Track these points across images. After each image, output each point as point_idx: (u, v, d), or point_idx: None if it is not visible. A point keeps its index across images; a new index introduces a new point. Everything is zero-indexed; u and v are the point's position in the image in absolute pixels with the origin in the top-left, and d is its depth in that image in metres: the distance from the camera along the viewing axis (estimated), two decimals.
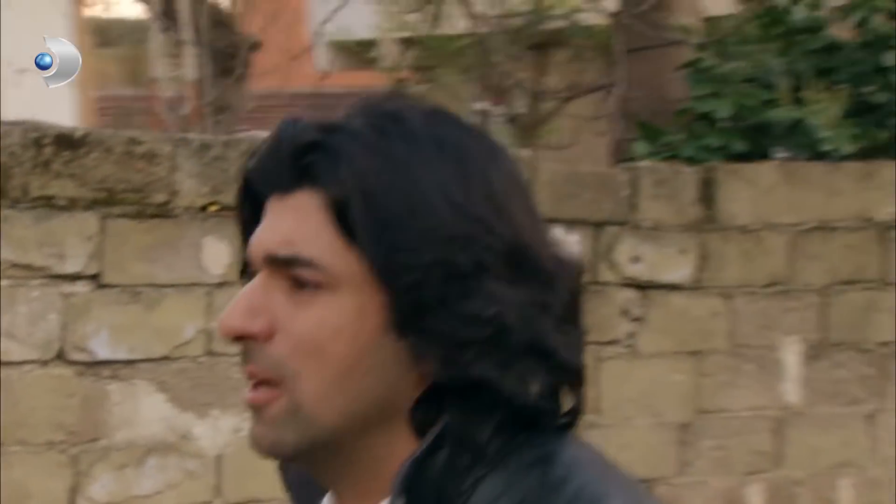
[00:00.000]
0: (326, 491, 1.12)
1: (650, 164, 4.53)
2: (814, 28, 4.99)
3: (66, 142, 3.58)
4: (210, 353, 3.82)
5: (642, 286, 4.31)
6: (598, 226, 4.25)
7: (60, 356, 3.64)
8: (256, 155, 1.10)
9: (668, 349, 4.36)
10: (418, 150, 1.04)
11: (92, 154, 3.61)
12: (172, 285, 3.76)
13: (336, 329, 1.03)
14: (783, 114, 4.67)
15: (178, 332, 3.77)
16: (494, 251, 1.02)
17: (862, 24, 4.89)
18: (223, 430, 3.85)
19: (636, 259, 4.30)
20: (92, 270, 3.65)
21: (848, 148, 4.62)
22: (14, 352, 3.58)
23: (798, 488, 4.53)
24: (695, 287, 4.38)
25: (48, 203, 3.56)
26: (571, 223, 4.15)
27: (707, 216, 4.40)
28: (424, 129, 1.05)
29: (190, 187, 3.75)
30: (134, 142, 3.70)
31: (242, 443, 3.79)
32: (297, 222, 1.05)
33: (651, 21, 5.56)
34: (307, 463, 1.08)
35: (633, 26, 5.74)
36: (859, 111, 4.73)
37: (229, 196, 3.71)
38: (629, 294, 4.29)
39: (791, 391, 4.55)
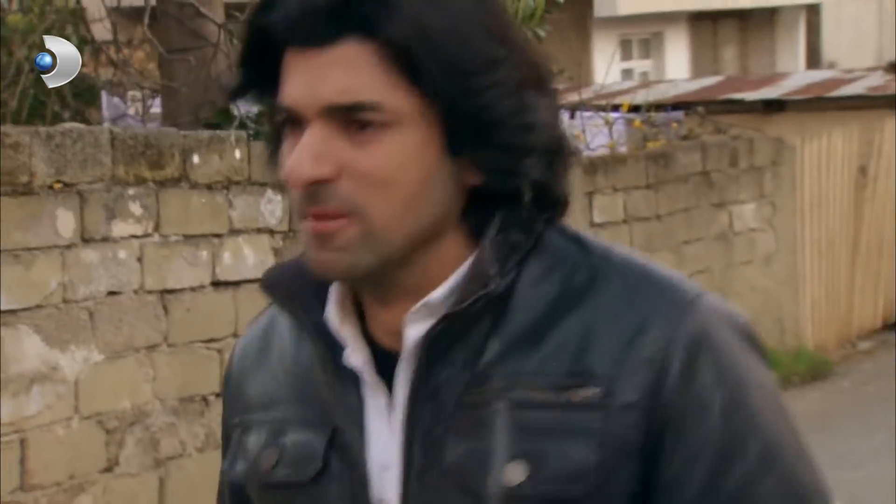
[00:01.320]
0: (321, 301, 1.25)
1: None
2: None
3: None
4: (65, 300, 4.84)
5: None
6: None
7: None
8: (273, 11, 1.17)
9: None
10: (451, 3, 1.16)
11: None
12: (38, 248, 4.74)
13: (402, 161, 1.15)
14: None
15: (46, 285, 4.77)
16: (528, 68, 1.18)
17: None
18: (79, 360, 4.89)
19: None
20: None
21: None
22: None
23: None
24: None
25: None
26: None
27: None
28: None
29: (42, 170, 4.75)
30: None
31: (92, 369, 4.90)
32: (351, 70, 1.14)
33: (188, 26, 6.55)
34: (369, 280, 1.20)
35: (170, 30, 6.74)
36: None
37: (71, 175, 4.80)
38: None
39: None
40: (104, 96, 8.91)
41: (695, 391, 1.16)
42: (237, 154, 5.56)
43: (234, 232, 5.55)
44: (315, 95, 1.15)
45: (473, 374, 1.20)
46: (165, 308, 5.26)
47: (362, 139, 1.15)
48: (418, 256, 1.20)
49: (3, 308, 4.62)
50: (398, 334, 1.22)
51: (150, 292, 5.19)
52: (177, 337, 5.30)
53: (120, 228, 5.05)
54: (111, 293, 5.04)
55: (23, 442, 4.71)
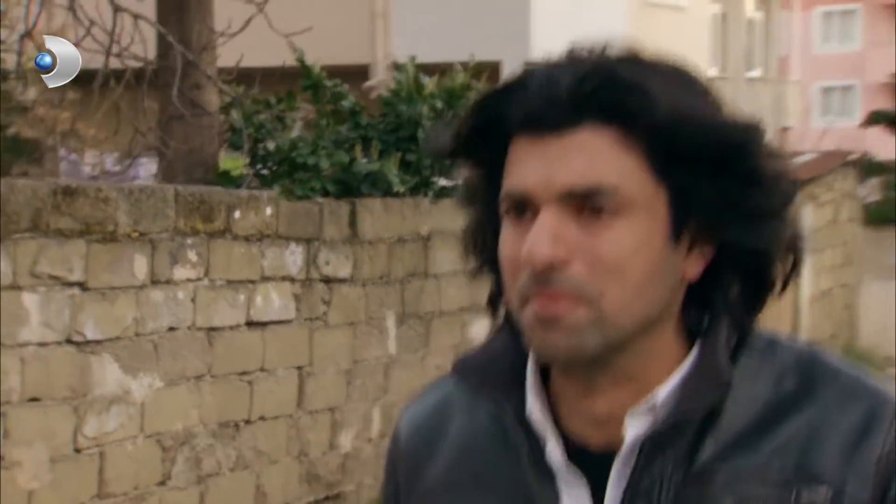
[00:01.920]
0: (515, 390, 1.27)
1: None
2: (355, 111, 7.78)
3: None
4: (137, 334, 5.59)
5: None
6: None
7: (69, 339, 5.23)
8: (510, 97, 1.21)
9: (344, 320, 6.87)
10: (682, 85, 1.20)
11: None
12: (119, 287, 5.48)
13: (635, 247, 1.17)
14: (368, 166, 7.37)
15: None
16: (754, 156, 1.19)
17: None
18: (145, 385, 5.63)
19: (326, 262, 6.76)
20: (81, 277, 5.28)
21: (402, 188, 7.49)
22: (38, 334, 5.11)
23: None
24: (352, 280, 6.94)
25: None
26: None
27: (353, 232, 6.98)
28: (671, 68, 1.21)
29: (124, 221, 5.51)
30: None
31: (155, 394, 5.65)
32: (590, 156, 1.17)
33: (187, 95, 7.32)
34: (593, 363, 1.21)
35: (170, 98, 7.70)
36: (406, 164, 7.61)
37: (144, 226, 5.57)
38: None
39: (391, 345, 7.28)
40: (62, 153, 9.63)
41: None
42: (268, 211, 6.38)
43: (265, 279, 6.35)
44: (553, 180, 1.17)
45: (688, 471, 1.21)
46: (210, 343, 6.03)
47: (596, 224, 1.17)
48: (637, 346, 1.21)
49: (91, 338, 5.35)
50: (597, 426, 1.24)
51: (199, 329, 5.96)
52: (218, 369, 6.07)
53: (180, 273, 5.82)
54: (171, 328, 5.79)
55: (101, 455, 5.43)
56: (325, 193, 7.24)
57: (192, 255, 5.90)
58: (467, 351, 1.34)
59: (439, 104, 7.66)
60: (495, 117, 1.22)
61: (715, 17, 21.91)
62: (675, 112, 1.16)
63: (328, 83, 7.83)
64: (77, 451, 5.34)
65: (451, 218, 7.61)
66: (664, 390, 1.21)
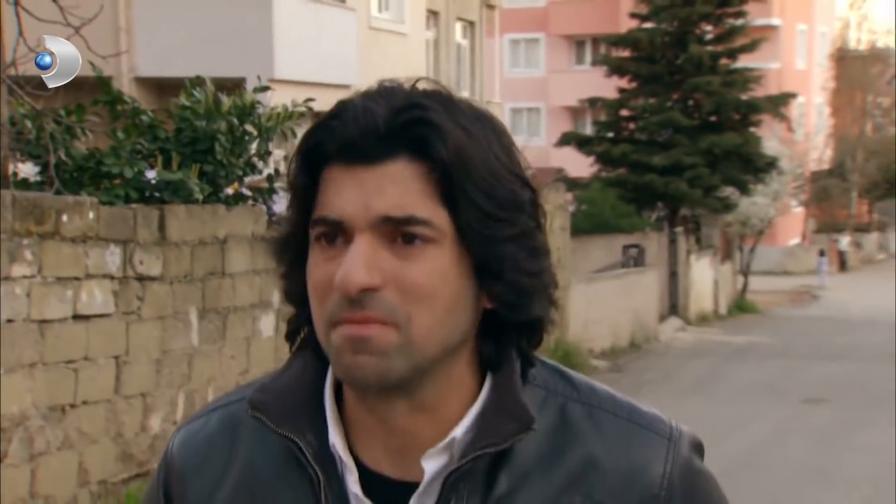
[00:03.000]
0: (312, 424, 1.27)
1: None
2: (154, 126, 8.55)
3: None
4: None
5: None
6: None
7: None
8: (325, 129, 1.22)
9: None
10: (480, 126, 1.23)
11: None
12: None
13: (443, 276, 1.21)
14: (169, 175, 8.15)
15: None
16: (539, 208, 1.27)
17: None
18: None
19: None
20: None
21: (200, 196, 8.31)
22: None
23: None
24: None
25: None
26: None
27: (162, 235, 7.75)
28: (472, 109, 1.25)
29: None
30: None
31: None
32: (403, 187, 1.20)
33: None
34: (396, 387, 1.22)
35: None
36: (203, 174, 8.42)
37: None
38: None
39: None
40: None
41: None
42: (91, 215, 7.09)
43: (89, 276, 7.06)
44: (369, 208, 1.19)
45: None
46: (42, 334, 6.70)
47: (408, 252, 1.20)
48: (437, 373, 1.24)
49: None
50: (394, 456, 1.26)
51: (33, 321, 6.63)
52: (49, 357, 6.75)
53: (17, 270, 6.49)
54: (9, 320, 6.45)
55: None
56: (128, 200, 7.98)
57: (27, 255, 6.57)
58: (261, 386, 1.31)
59: (235, 120, 8.51)
60: (311, 149, 1.24)
61: (429, 42, 23.26)
62: (470, 157, 1.21)
63: (128, 99, 8.56)
64: None
65: (244, 223, 8.53)
66: (462, 427, 1.25)
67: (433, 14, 23.34)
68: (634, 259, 20.32)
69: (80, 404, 7.02)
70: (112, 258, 7.27)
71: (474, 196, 1.21)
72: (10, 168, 8.52)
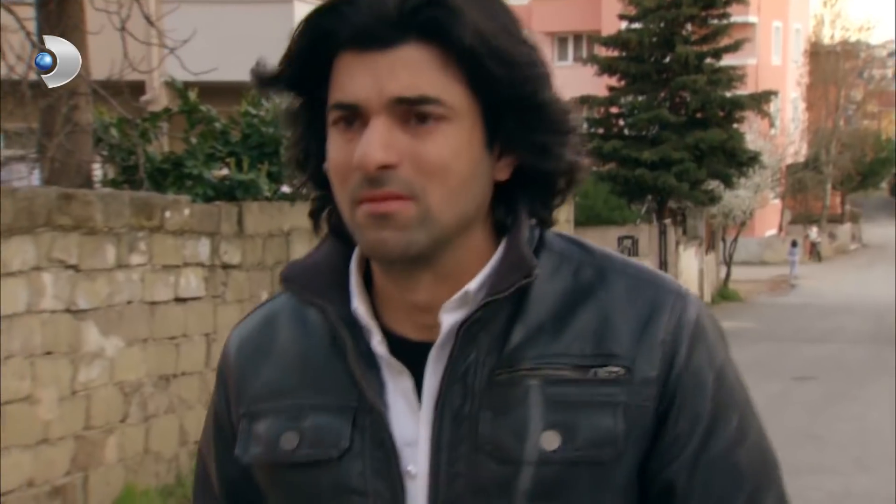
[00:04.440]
0: (339, 295, 1.36)
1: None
2: (225, 131, 9.62)
3: None
4: (109, 305, 7.28)
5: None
6: None
7: None
8: (337, 14, 1.27)
9: None
10: (494, 13, 1.30)
11: None
12: None
13: (457, 150, 1.27)
14: (241, 175, 9.23)
15: None
16: (543, 88, 1.32)
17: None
18: (113, 345, 7.33)
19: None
20: None
21: (269, 194, 9.38)
22: (50, 304, 6.75)
23: None
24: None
25: None
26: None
27: (240, 229, 8.82)
28: None
29: None
30: None
31: (120, 352, 7.36)
32: (415, 69, 1.26)
33: (67, 113, 8.53)
34: (417, 260, 1.30)
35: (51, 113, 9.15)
36: (269, 174, 9.49)
37: None
38: None
39: None
40: None
41: (694, 368, 1.34)
42: (186, 211, 8.15)
43: (186, 265, 8.13)
44: (382, 90, 1.26)
45: (499, 357, 1.33)
46: (152, 314, 7.77)
47: (422, 131, 1.26)
48: (455, 243, 1.32)
49: (82, 308, 7.03)
50: (417, 321, 1.35)
51: (145, 303, 7.69)
52: (157, 334, 7.81)
53: (134, 259, 7.55)
54: (129, 302, 7.51)
55: (88, 397, 7.11)
56: (207, 199, 9.04)
57: (141, 246, 7.64)
58: (291, 262, 1.39)
59: None
60: (322, 35, 1.28)
61: None
62: (483, 38, 1.26)
63: (203, 108, 9.63)
64: (73, 393, 7.01)
65: (304, 217, 9.60)
66: (476, 281, 1.32)
67: None
68: (629, 250, 21.51)
69: (181, 375, 8.09)
70: (203, 249, 8.34)
71: (497, 60, 1.26)
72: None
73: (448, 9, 1.26)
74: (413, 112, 1.27)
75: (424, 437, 1.33)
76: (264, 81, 1.34)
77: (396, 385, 1.34)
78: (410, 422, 1.34)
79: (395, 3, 1.26)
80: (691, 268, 26.08)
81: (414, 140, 1.27)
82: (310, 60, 1.30)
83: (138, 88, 17.00)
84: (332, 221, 1.38)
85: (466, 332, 1.31)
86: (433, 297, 1.33)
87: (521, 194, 1.35)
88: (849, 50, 50.64)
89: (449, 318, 1.32)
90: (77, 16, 9.01)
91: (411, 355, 1.34)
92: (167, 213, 7.92)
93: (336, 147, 1.30)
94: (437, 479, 1.32)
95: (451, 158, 1.28)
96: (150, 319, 7.74)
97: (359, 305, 1.35)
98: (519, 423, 1.31)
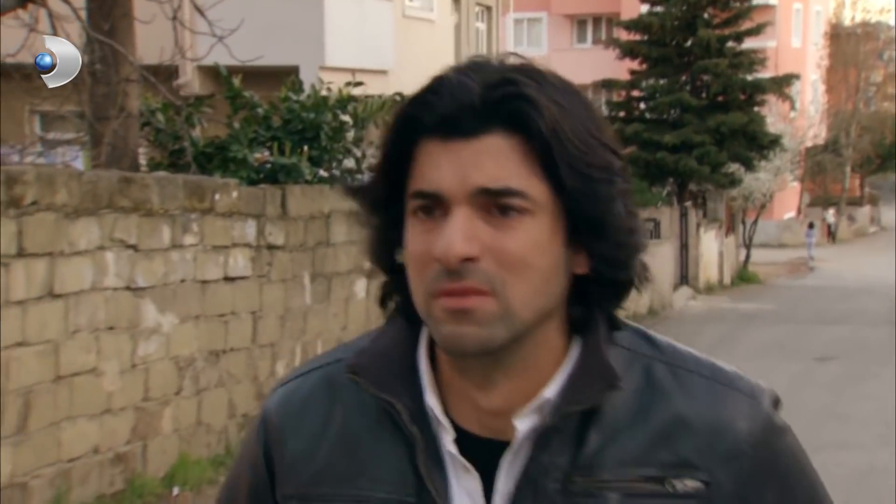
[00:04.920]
0: (407, 387, 1.33)
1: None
2: (267, 117, 9.97)
3: None
4: (164, 283, 7.64)
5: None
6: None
7: None
8: (422, 104, 1.27)
9: None
10: (571, 99, 1.28)
11: None
12: None
13: (539, 245, 1.26)
14: (283, 159, 9.58)
15: None
16: (626, 175, 1.30)
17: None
18: (169, 322, 7.70)
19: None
20: None
21: (310, 177, 9.73)
22: (113, 282, 7.12)
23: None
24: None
25: None
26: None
27: (284, 211, 9.16)
28: (559, 82, 1.30)
29: None
30: None
31: (175, 328, 7.73)
32: (499, 160, 1.25)
33: (115, 99, 8.97)
34: (494, 356, 1.28)
35: (101, 99, 9.54)
36: (309, 159, 9.85)
37: None
38: None
39: None
40: None
41: (779, 473, 1.33)
42: (234, 194, 8.50)
43: (234, 245, 8.49)
44: (466, 180, 1.24)
45: (574, 461, 1.29)
46: (203, 292, 8.13)
47: (504, 224, 1.25)
48: (532, 338, 1.29)
49: (140, 286, 7.39)
50: (489, 419, 1.31)
51: (197, 281, 8.05)
52: (208, 311, 8.17)
53: (187, 239, 7.91)
54: (182, 280, 7.87)
55: (146, 370, 7.48)
56: (251, 182, 9.40)
57: (194, 227, 8.00)
58: (360, 350, 1.36)
59: (339, 113, 9.95)
60: (407, 123, 1.28)
61: (455, 27, 24.57)
62: (566, 129, 1.25)
63: (246, 94, 9.98)
64: (133, 366, 7.39)
65: (343, 200, 9.94)
66: (553, 387, 1.30)
67: (456, 0, 24.70)
68: (651, 232, 21.80)
69: (229, 350, 8.46)
70: (249, 230, 8.70)
71: (573, 163, 1.25)
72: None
73: (531, 102, 1.25)
74: (495, 204, 1.25)
75: None
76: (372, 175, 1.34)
77: (460, 483, 1.31)
78: None
79: (480, 93, 1.25)
80: (711, 250, 26.34)
81: (496, 233, 1.25)
82: (396, 149, 1.30)
83: (171, 72, 17.45)
84: (400, 304, 1.35)
85: (541, 439, 1.29)
86: (506, 399, 1.30)
87: (596, 290, 1.32)
88: (869, 32, 50.66)
89: (524, 424, 1.29)
90: (126, 5, 9.37)
91: (478, 453, 1.31)
92: (217, 196, 8.28)
93: (415, 236, 1.28)
94: None
95: (533, 253, 1.25)
96: (201, 297, 8.11)
97: (432, 401, 1.32)
98: None
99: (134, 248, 7.36)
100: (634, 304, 19.56)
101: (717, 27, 26.45)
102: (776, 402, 1.36)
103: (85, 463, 6.94)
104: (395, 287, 1.35)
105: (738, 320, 19.70)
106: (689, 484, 1.29)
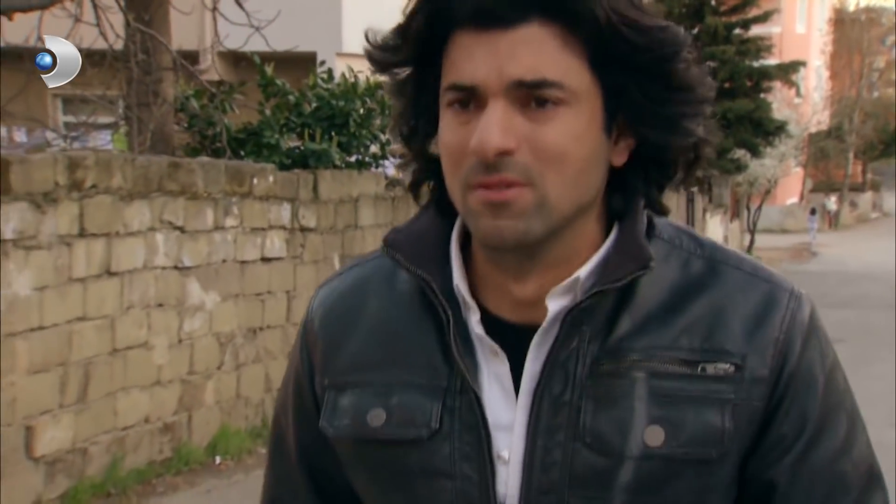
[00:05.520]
0: (440, 268, 1.32)
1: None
2: (298, 104, 10.35)
3: None
4: (208, 263, 8.04)
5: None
6: None
7: None
8: None
9: None
10: None
11: None
12: None
13: (576, 136, 1.23)
14: (314, 145, 9.97)
15: None
16: (678, 64, 1.26)
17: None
18: (211, 300, 8.10)
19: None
20: None
21: (340, 163, 10.12)
22: (162, 261, 7.53)
23: None
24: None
25: None
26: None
27: (315, 195, 9.56)
28: None
29: None
30: None
31: (217, 306, 8.13)
32: (536, 50, 1.21)
33: (151, 86, 9.41)
34: (531, 247, 1.26)
35: (138, 85, 9.93)
36: (339, 144, 10.24)
37: None
38: None
39: None
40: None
41: (805, 369, 1.30)
42: (270, 178, 8.89)
43: (271, 227, 8.88)
44: (502, 73, 1.20)
45: (603, 346, 1.29)
46: (242, 272, 8.53)
47: (541, 115, 1.22)
48: (570, 230, 1.27)
49: (186, 265, 7.80)
50: (520, 306, 1.31)
51: (236, 261, 8.45)
52: (247, 290, 8.58)
53: (229, 221, 8.30)
54: (223, 261, 8.27)
55: (192, 346, 7.89)
56: (283, 167, 9.79)
57: (234, 210, 8.39)
58: (395, 228, 1.36)
59: (368, 101, 10.33)
60: (440, 11, 1.24)
61: None
62: (612, 15, 1.21)
63: (278, 82, 10.36)
64: (180, 341, 7.80)
65: (370, 185, 10.35)
66: (586, 268, 1.29)
67: None
68: None
69: (266, 328, 8.86)
70: (285, 213, 9.09)
71: (630, 36, 1.22)
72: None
73: None
74: (533, 96, 1.22)
75: (521, 422, 1.29)
76: (377, 56, 1.31)
77: (490, 367, 1.31)
78: (504, 406, 1.30)
79: None
80: (717, 235, 26.75)
81: (533, 125, 1.22)
82: (425, 37, 1.26)
83: (192, 58, 17.84)
84: (435, 195, 1.36)
85: (573, 319, 1.28)
86: (541, 286, 1.30)
87: (637, 180, 1.31)
88: (873, 18, 50.94)
89: (555, 304, 1.28)
90: None
91: (508, 337, 1.30)
92: (255, 180, 8.67)
93: (450, 129, 1.25)
94: (531, 465, 1.28)
95: (571, 144, 1.23)
96: (240, 277, 8.51)
97: (460, 282, 1.32)
98: (622, 416, 1.27)
99: (181, 229, 7.76)
100: None
101: (724, 14, 26.80)
102: (815, 308, 1.35)
103: (137, 431, 7.35)
104: (427, 176, 1.36)
105: None
106: (720, 366, 1.28)
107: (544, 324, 1.28)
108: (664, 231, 1.34)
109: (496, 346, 1.30)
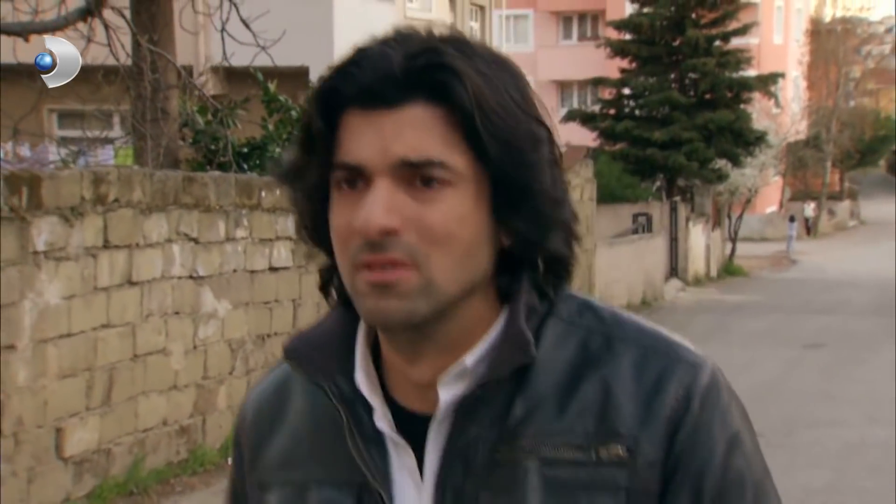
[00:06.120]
0: (342, 367, 1.31)
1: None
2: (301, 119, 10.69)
3: None
4: (220, 273, 8.37)
5: None
6: None
7: None
8: (343, 75, 1.23)
9: None
10: (496, 69, 1.25)
11: None
12: None
13: (461, 217, 1.23)
14: None
15: None
16: (555, 147, 1.28)
17: None
18: (224, 307, 8.42)
19: None
20: None
21: None
22: (178, 270, 7.85)
23: None
24: None
25: None
26: None
27: None
28: (487, 52, 1.27)
29: None
30: None
31: (229, 313, 8.47)
32: (420, 131, 1.22)
33: (157, 103, 9.72)
34: (419, 329, 1.25)
35: (144, 102, 10.27)
36: None
37: None
38: None
39: None
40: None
41: (700, 443, 1.25)
42: (278, 191, 9.23)
43: (278, 238, 9.22)
44: (387, 152, 1.21)
45: (501, 432, 1.27)
46: (252, 281, 8.86)
47: (426, 195, 1.22)
48: (458, 312, 1.26)
49: (200, 275, 8.11)
50: (422, 392, 1.29)
51: (247, 271, 8.78)
52: (256, 298, 8.91)
53: (239, 233, 8.63)
54: (234, 270, 8.59)
55: (205, 352, 8.21)
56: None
57: (245, 221, 8.73)
58: (297, 334, 1.34)
59: None
60: (329, 95, 1.24)
61: (451, 26, 25.31)
62: (488, 99, 1.22)
63: (282, 99, 10.71)
64: (195, 347, 8.12)
65: None
66: (473, 356, 1.27)
67: (452, 0, 25.49)
68: (643, 226, 22.59)
69: (273, 335, 9.20)
70: (291, 224, 9.42)
71: (495, 133, 1.22)
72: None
73: (453, 72, 1.22)
74: (418, 175, 1.22)
75: None
76: (291, 177, 1.31)
77: (401, 460, 1.30)
78: (416, 498, 1.29)
79: (401, 64, 1.22)
80: (699, 244, 27.15)
81: (418, 205, 1.22)
82: (319, 122, 1.25)
83: (187, 74, 18.16)
84: (340, 288, 1.32)
85: (467, 408, 1.27)
86: (436, 371, 1.28)
87: (522, 261, 1.29)
88: (848, 29, 51.54)
89: (447, 393, 1.27)
90: (168, 15, 10.09)
91: (416, 426, 1.30)
92: (263, 193, 9.01)
93: (339, 210, 1.25)
94: None
95: (456, 226, 1.23)
96: (250, 286, 8.85)
97: (361, 378, 1.31)
98: None
99: (195, 240, 8.10)
100: (629, 295, 20.38)
101: (704, 27, 27.27)
102: (717, 377, 1.29)
103: (156, 433, 7.67)
104: (332, 272, 1.32)
105: (727, 311, 20.51)
106: (613, 450, 1.25)
107: (437, 414, 1.28)
108: (564, 309, 1.32)
109: (398, 439, 1.30)
